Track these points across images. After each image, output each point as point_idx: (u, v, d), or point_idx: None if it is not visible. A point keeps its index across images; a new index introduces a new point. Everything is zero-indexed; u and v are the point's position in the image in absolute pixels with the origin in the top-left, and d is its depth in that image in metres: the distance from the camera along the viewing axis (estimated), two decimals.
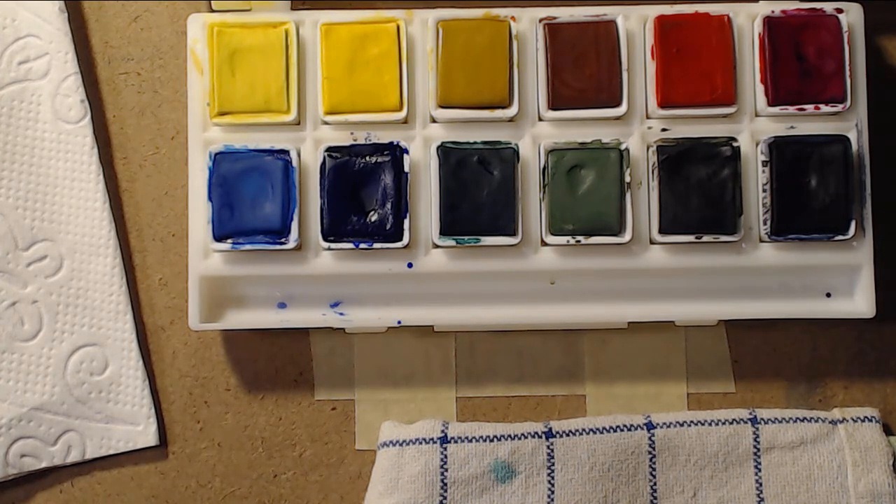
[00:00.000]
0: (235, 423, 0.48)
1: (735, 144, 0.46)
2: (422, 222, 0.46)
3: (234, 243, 0.45)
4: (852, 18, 0.46)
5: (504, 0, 0.47)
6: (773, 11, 0.46)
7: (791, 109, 0.46)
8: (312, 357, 0.48)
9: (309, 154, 0.46)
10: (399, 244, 0.45)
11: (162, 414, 0.48)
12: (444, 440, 0.46)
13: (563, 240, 0.45)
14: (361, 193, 0.45)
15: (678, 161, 0.45)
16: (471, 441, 0.46)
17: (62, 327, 0.47)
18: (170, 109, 0.49)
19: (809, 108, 0.46)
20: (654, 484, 0.46)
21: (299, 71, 0.46)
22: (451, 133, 0.46)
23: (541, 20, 0.46)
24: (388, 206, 0.45)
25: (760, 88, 0.46)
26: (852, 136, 0.46)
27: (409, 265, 0.46)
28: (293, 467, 0.48)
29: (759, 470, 0.46)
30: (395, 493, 0.46)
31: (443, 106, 0.46)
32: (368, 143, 0.46)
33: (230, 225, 0.45)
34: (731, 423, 0.46)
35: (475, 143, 0.46)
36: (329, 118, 0.46)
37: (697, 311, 0.47)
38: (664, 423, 0.46)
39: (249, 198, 0.45)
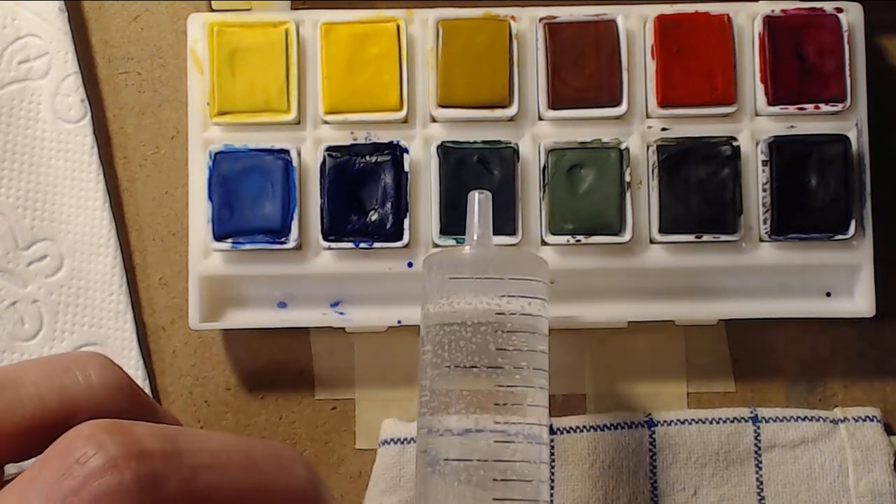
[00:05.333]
0: (236, 422, 0.48)
1: (735, 144, 0.46)
2: (422, 222, 0.46)
3: (234, 243, 0.45)
4: (852, 18, 0.46)
5: (504, 0, 0.47)
6: (773, 11, 0.46)
7: (791, 109, 0.46)
8: (312, 356, 0.48)
9: (309, 153, 0.46)
10: (399, 244, 0.45)
11: None
12: None
13: (563, 239, 0.45)
14: (361, 193, 0.45)
15: (678, 160, 0.45)
16: None
17: (62, 327, 0.47)
18: (170, 109, 0.49)
19: (809, 107, 0.46)
20: (655, 482, 0.46)
21: (299, 70, 0.46)
22: (451, 132, 0.46)
23: (541, 20, 0.46)
24: (388, 205, 0.45)
25: (760, 88, 0.46)
26: (852, 135, 0.46)
27: (410, 265, 0.46)
28: None
29: (760, 468, 0.46)
30: (398, 492, 0.46)
31: (443, 105, 0.46)
32: (368, 142, 0.46)
33: (230, 224, 0.45)
34: (732, 422, 0.46)
35: (475, 142, 0.46)
36: (329, 118, 0.46)
37: (697, 310, 0.47)
38: (665, 421, 0.46)
39: (249, 197, 0.45)
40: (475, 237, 0.41)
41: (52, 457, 0.29)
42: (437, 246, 0.46)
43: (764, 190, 0.46)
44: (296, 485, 0.32)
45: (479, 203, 0.42)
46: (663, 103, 0.46)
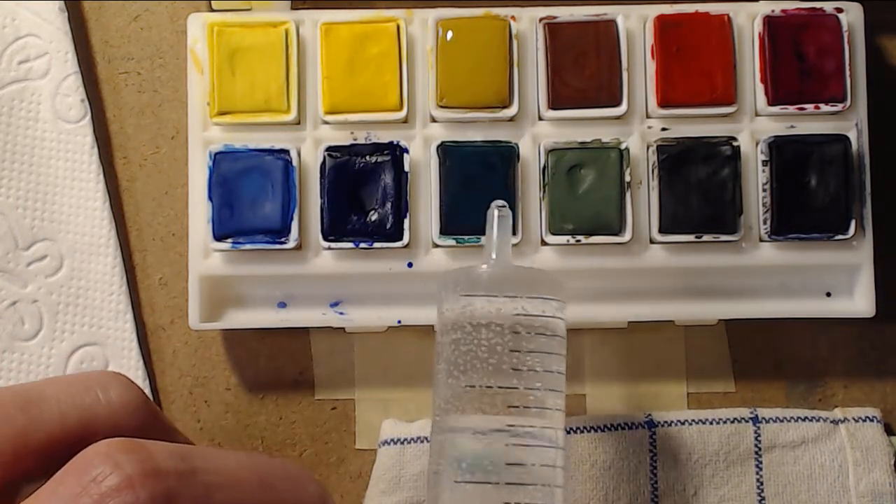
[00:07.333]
0: (236, 422, 0.48)
1: (735, 144, 0.46)
2: (422, 222, 0.46)
3: (234, 243, 0.45)
4: (852, 18, 0.46)
5: (504, 0, 0.47)
6: (773, 11, 0.46)
7: (791, 109, 0.46)
8: (312, 357, 0.48)
9: (309, 153, 0.46)
10: (399, 244, 0.45)
11: None
12: None
13: (563, 239, 0.45)
14: (361, 193, 0.45)
15: (678, 160, 0.45)
16: None
17: (62, 327, 0.47)
18: (170, 109, 0.49)
19: (809, 107, 0.46)
20: (655, 482, 0.46)
21: (299, 70, 0.46)
22: (451, 132, 0.46)
23: (541, 20, 0.46)
24: (389, 205, 0.45)
25: (760, 88, 0.46)
26: (852, 135, 0.46)
27: (410, 265, 0.46)
28: None
29: (761, 469, 0.46)
30: (398, 492, 0.46)
31: (443, 105, 0.46)
32: (368, 142, 0.46)
33: (230, 224, 0.45)
34: (733, 422, 0.46)
35: (475, 142, 0.46)
36: (329, 118, 0.46)
37: (697, 310, 0.47)
38: (665, 422, 0.46)
39: (249, 197, 0.45)
40: (493, 255, 0.41)
41: (68, 474, 0.29)
42: (437, 246, 0.46)
43: (764, 190, 0.46)
44: (307, 501, 0.32)
45: (498, 219, 0.41)
46: (663, 103, 0.46)
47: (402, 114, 0.46)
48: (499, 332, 0.39)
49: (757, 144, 0.46)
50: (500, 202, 0.41)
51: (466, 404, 0.39)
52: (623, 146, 0.45)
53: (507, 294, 0.40)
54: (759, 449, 0.46)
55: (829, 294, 0.47)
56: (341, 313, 0.46)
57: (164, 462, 0.29)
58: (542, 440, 0.39)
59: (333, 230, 0.45)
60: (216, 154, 0.45)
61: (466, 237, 0.45)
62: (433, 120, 0.46)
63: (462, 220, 0.45)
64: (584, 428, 0.46)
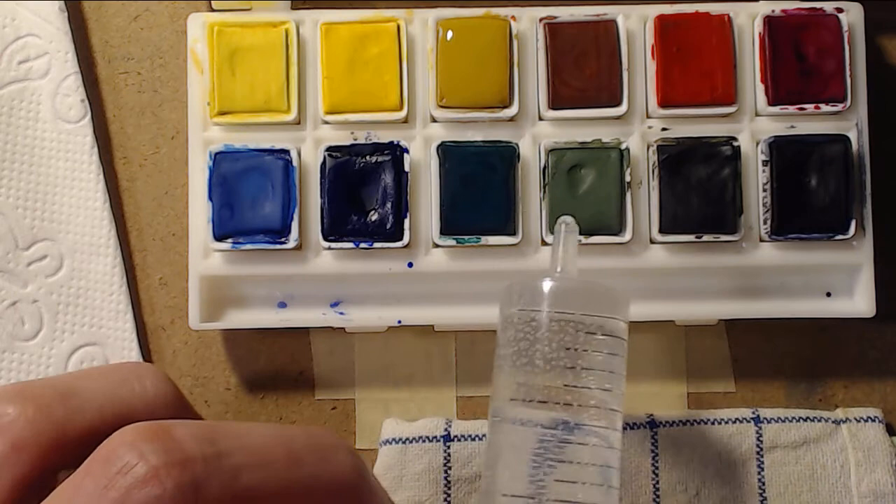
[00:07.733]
0: None
1: (735, 144, 0.46)
2: (422, 222, 0.46)
3: (234, 243, 0.45)
4: (852, 18, 0.46)
5: (504, 0, 0.47)
6: (773, 11, 0.46)
7: (791, 109, 0.46)
8: (312, 356, 0.48)
9: (309, 153, 0.46)
10: (399, 244, 0.45)
11: None
12: (448, 438, 0.46)
13: None
14: (362, 193, 0.45)
15: (678, 160, 0.45)
16: (473, 440, 0.46)
17: (62, 327, 0.47)
18: (170, 109, 0.49)
19: (809, 107, 0.46)
20: (657, 482, 0.46)
21: (299, 70, 0.46)
22: (452, 132, 0.46)
23: (541, 20, 0.46)
24: (389, 205, 0.45)
25: (760, 88, 0.46)
26: (852, 135, 0.46)
27: (410, 265, 0.46)
28: None
29: (762, 469, 0.46)
30: (399, 491, 0.46)
31: (443, 105, 0.46)
32: (369, 142, 0.46)
33: (230, 224, 0.45)
34: (734, 423, 0.46)
35: (475, 142, 0.46)
36: (329, 118, 0.46)
37: (697, 310, 0.47)
38: (667, 422, 0.46)
39: (249, 197, 0.45)
40: (558, 268, 0.41)
41: (94, 465, 0.29)
42: (437, 246, 0.46)
43: (764, 190, 0.46)
44: (339, 472, 0.32)
45: (565, 232, 0.41)
46: (663, 103, 0.46)
47: (403, 114, 0.46)
48: (558, 329, 0.39)
49: (757, 144, 0.46)
50: (568, 217, 0.41)
51: (526, 399, 0.39)
52: (623, 146, 0.45)
53: (570, 311, 0.39)
54: (761, 449, 0.46)
55: (829, 294, 0.47)
56: (341, 313, 0.46)
57: (189, 448, 0.29)
58: (599, 439, 0.39)
59: (333, 230, 0.45)
60: (216, 154, 0.45)
61: (466, 237, 0.45)
62: (433, 120, 0.46)
63: (462, 221, 0.45)
64: None
